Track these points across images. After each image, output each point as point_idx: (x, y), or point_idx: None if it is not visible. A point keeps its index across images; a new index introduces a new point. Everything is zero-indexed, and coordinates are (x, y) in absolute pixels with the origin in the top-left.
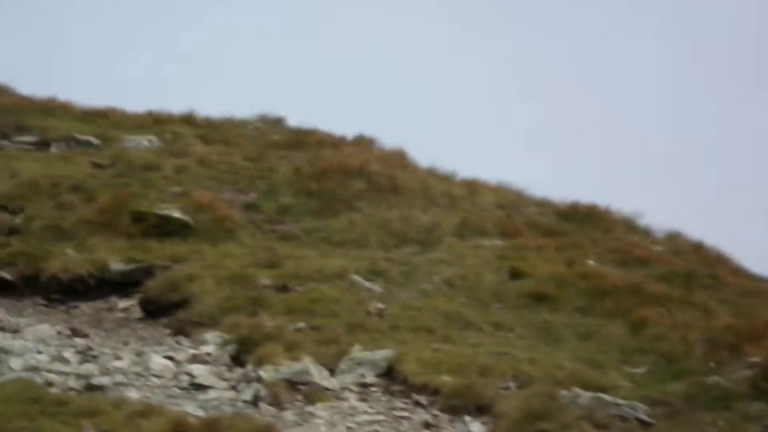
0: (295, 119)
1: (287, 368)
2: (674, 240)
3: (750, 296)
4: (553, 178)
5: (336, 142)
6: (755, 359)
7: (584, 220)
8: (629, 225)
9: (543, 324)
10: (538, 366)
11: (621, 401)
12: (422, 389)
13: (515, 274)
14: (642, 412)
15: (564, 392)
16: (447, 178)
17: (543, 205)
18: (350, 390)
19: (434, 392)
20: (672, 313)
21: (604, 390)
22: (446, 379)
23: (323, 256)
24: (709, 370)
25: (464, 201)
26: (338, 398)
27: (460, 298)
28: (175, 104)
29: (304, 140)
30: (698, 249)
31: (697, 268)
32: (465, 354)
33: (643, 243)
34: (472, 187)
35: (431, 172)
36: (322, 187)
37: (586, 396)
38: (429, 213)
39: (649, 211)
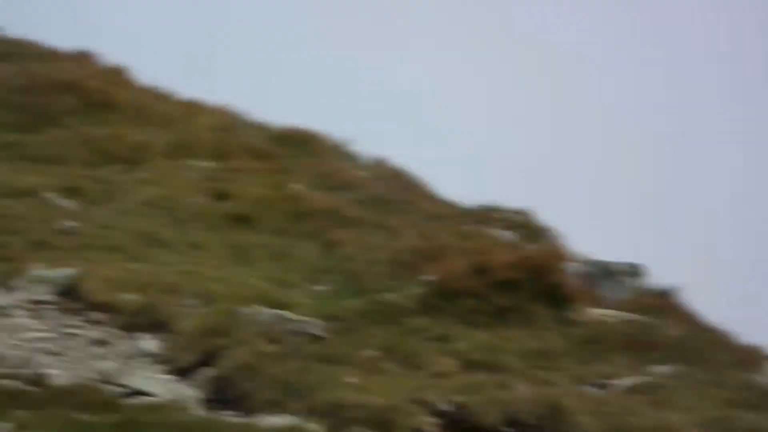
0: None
1: None
2: (379, 166)
3: (437, 220)
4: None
5: (51, 55)
6: (429, 278)
7: (298, 145)
8: (340, 151)
9: (238, 244)
10: (225, 284)
11: (299, 318)
12: (102, 307)
13: (220, 196)
14: (317, 328)
15: (245, 310)
16: (165, 98)
17: (260, 129)
18: (22, 308)
19: (115, 310)
20: (363, 234)
21: (286, 307)
22: (128, 297)
23: (16, 172)
24: (387, 288)
25: (180, 122)
26: (5, 315)
27: (160, 218)
28: None
29: (15, 51)
30: (398, 175)
31: (393, 194)
32: (152, 272)
33: (349, 168)
34: (190, 108)
35: (151, 91)
36: (27, 101)
37: (267, 313)
38: (141, 132)
39: (360, 138)
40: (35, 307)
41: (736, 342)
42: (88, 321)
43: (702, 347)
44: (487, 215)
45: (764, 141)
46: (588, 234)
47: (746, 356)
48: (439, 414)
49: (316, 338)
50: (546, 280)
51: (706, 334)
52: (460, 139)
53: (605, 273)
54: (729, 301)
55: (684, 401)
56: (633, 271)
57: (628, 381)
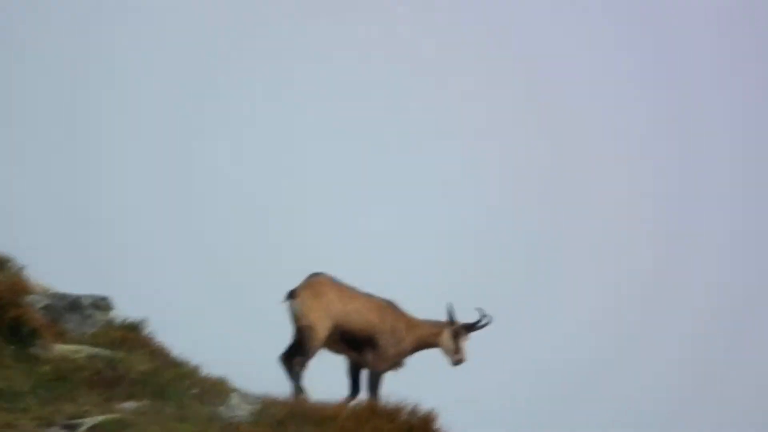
0: None
1: None
2: None
3: None
4: None
5: None
6: None
7: None
8: None
9: None
10: None
11: None
12: None
13: None
14: None
15: None
16: None
17: None
18: None
19: None
20: None
21: None
22: None
23: None
24: None
25: None
26: None
27: None
28: None
29: None
30: None
31: None
32: None
33: None
34: None
35: None
36: None
37: None
38: None
39: None
40: None
41: (202, 375)
42: None
43: (168, 381)
44: None
45: None
46: (52, 265)
47: (212, 388)
48: None
49: None
50: (6, 314)
51: (172, 368)
52: None
53: (71, 306)
54: (195, 333)
55: None
56: (100, 303)
57: (95, 419)
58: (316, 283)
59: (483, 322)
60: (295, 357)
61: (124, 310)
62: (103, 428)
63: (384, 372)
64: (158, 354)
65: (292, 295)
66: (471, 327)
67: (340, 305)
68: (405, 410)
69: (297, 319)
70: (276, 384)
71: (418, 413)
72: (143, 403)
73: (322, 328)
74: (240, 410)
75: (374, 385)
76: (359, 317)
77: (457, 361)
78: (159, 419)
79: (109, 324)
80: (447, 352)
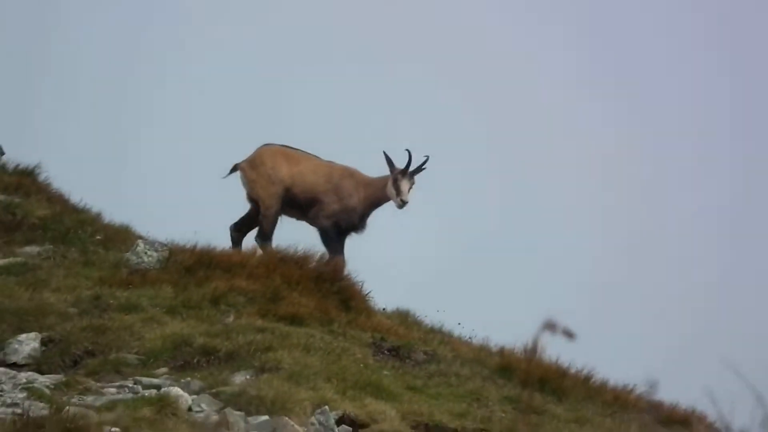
0: None
1: None
2: None
3: None
4: None
5: None
6: None
7: None
8: None
9: None
10: None
11: None
12: None
13: None
14: None
15: None
16: None
17: None
18: None
19: None
20: None
21: None
22: None
23: None
24: None
25: None
26: None
27: None
28: None
29: None
30: None
31: None
32: None
33: None
34: None
35: None
36: None
37: None
38: None
39: None
40: None
41: (105, 221)
42: None
43: (69, 227)
44: None
45: None
46: None
47: (116, 235)
48: None
49: None
50: None
51: (73, 214)
52: None
53: None
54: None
55: (57, 281)
56: None
57: None
58: (257, 154)
59: (420, 163)
60: (241, 228)
61: (15, 156)
62: (8, 271)
63: (328, 228)
64: (57, 200)
65: (234, 168)
66: (406, 169)
67: (286, 170)
68: (314, 258)
69: (246, 191)
70: (184, 233)
71: (326, 260)
72: (45, 247)
73: (268, 196)
74: (147, 257)
75: (325, 242)
76: (303, 179)
77: (400, 203)
78: (64, 263)
79: (2, 169)
80: (390, 196)
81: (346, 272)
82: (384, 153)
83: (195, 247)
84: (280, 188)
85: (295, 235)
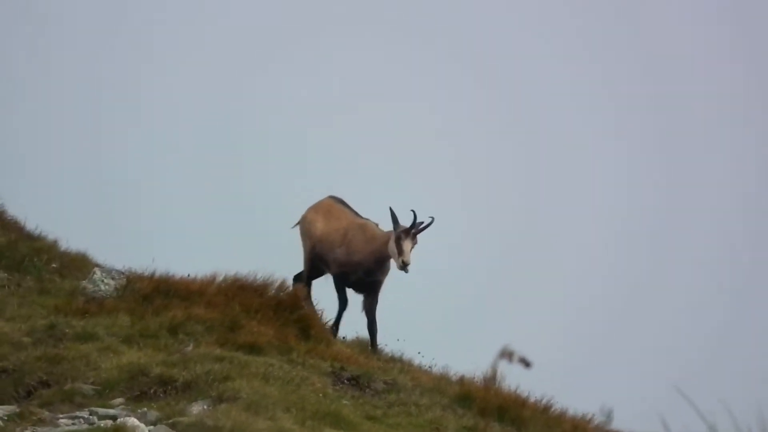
0: None
1: None
2: None
3: None
4: None
5: None
6: None
7: None
8: None
9: None
10: None
11: None
12: None
13: None
14: None
15: None
16: None
17: None
18: None
19: None
20: None
21: None
22: None
23: None
24: None
25: None
26: None
27: None
28: None
29: None
30: None
31: None
32: None
33: None
34: None
35: None
36: None
37: None
38: None
39: None
40: None
41: (61, 249)
42: None
43: (25, 255)
44: None
45: None
46: None
47: (72, 263)
48: None
49: None
50: None
51: (28, 242)
52: None
53: None
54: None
55: (12, 310)
56: None
57: None
58: (308, 208)
59: (425, 223)
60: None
61: None
62: None
63: (336, 276)
64: (11, 227)
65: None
66: (410, 229)
67: (320, 226)
68: (274, 286)
69: None
70: (141, 260)
71: (286, 288)
72: (1, 276)
73: (304, 251)
74: (104, 285)
75: (335, 288)
76: (327, 237)
77: (401, 264)
78: (18, 292)
79: None
80: (392, 255)
81: (305, 301)
82: (390, 209)
83: (153, 274)
84: (309, 244)
85: (255, 263)
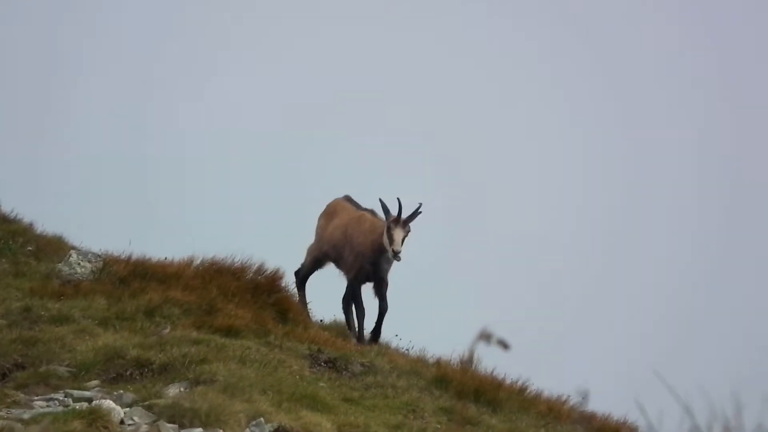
0: None
1: None
2: None
3: None
4: None
5: None
6: None
7: None
8: None
9: None
10: None
11: None
12: None
13: None
14: None
15: None
16: None
17: None
18: None
19: None
20: None
21: None
22: None
23: None
24: None
25: None
26: None
27: None
28: None
29: None
30: None
31: None
32: None
33: None
34: None
35: None
36: None
37: None
38: None
39: None
40: None
41: (37, 232)
42: None
43: (1, 237)
44: None
45: None
46: None
47: (48, 245)
48: None
49: None
50: None
51: (4, 225)
52: None
53: None
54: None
55: None
56: None
57: None
58: (323, 210)
59: (413, 210)
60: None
61: None
62: None
63: (353, 283)
64: None
65: None
66: (398, 217)
67: (325, 226)
68: (251, 269)
69: None
70: (117, 243)
71: (264, 272)
72: None
73: (312, 250)
74: (80, 268)
75: (351, 295)
76: (330, 235)
77: (392, 254)
78: None
79: None
80: (385, 245)
81: (283, 283)
82: (380, 200)
83: (130, 258)
84: (316, 246)
85: (232, 246)
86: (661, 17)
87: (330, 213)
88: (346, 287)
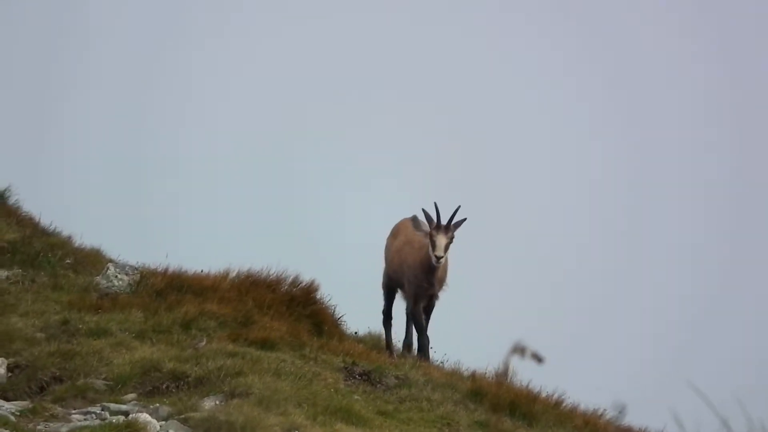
0: None
1: None
2: None
3: None
4: None
5: None
6: None
7: None
8: None
9: None
10: None
11: None
12: None
13: None
14: None
15: None
16: None
17: None
18: None
19: None
20: None
21: None
22: None
23: None
24: None
25: None
26: None
27: None
28: None
29: None
30: None
31: None
32: None
33: None
34: None
35: None
36: None
37: None
38: None
39: None
40: None
41: (75, 245)
42: None
43: (39, 250)
44: None
45: None
46: None
47: (86, 258)
48: None
49: None
50: None
51: (43, 238)
52: None
53: None
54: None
55: (26, 306)
56: None
57: None
58: (393, 228)
59: (452, 214)
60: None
61: None
62: None
63: (414, 310)
64: (26, 223)
65: None
66: (438, 222)
67: (389, 252)
68: (286, 281)
69: None
70: (154, 256)
71: (299, 284)
72: (14, 271)
73: (384, 275)
74: (117, 281)
75: (414, 322)
76: (390, 258)
77: (436, 258)
78: (33, 288)
79: None
80: (429, 253)
81: (318, 296)
82: (423, 210)
83: (166, 270)
84: (384, 271)
85: (268, 258)
86: (673, 17)
87: (394, 234)
88: (406, 308)
